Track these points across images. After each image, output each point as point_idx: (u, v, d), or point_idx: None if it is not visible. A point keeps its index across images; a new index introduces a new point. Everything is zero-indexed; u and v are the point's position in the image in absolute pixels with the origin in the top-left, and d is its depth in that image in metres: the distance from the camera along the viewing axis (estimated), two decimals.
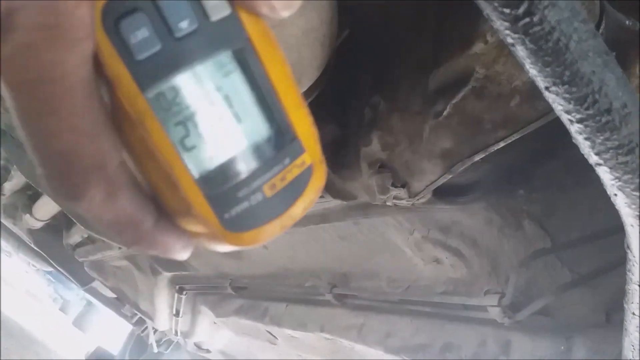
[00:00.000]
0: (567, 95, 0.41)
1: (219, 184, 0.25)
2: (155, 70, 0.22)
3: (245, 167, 0.25)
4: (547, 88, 0.41)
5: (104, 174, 0.23)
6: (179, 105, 0.23)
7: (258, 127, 0.26)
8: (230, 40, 0.24)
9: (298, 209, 0.27)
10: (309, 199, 0.27)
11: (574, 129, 0.43)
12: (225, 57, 0.24)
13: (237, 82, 0.25)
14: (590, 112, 0.41)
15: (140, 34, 0.22)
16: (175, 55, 0.23)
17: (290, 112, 0.26)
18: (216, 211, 0.25)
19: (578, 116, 0.42)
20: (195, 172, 0.24)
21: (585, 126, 0.42)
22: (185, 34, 0.23)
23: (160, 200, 0.26)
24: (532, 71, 0.41)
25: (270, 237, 0.27)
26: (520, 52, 0.40)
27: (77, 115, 0.21)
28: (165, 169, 0.24)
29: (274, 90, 0.25)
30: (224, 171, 0.25)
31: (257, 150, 0.26)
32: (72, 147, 0.21)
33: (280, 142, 0.26)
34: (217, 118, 0.24)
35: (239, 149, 0.25)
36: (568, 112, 0.42)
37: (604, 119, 0.41)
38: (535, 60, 0.40)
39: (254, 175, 0.25)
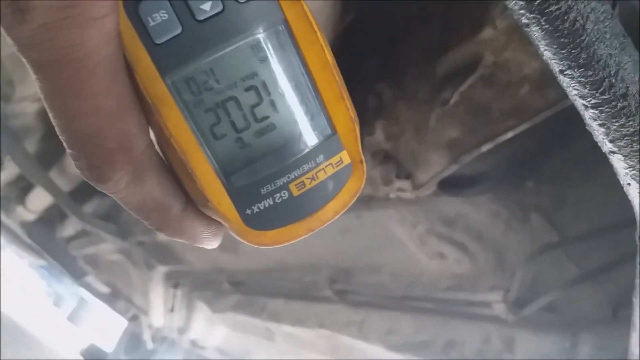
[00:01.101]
0: (582, 79, 0.39)
1: (243, 177, 0.23)
2: (176, 54, 0.21)
3: (272, 161, 0.23)
4: (561, 71, 0.40)
5: (130, 156, 0.22)
6: (211, 91, 0.22)
7: (291, 119, 0.23)
8: (264, 23, 0.22)
9: (328, 213, 0.25)
10: (343, 202, 0.25)
11: (589, 114, 0.41)
12: (258, 42, 0.22)
13: (271, 69, 0.23)
14: (606, 97, 0.40)
15: (159, 16, 0.21)
16: (198, 40, 0.21)
17: (330, 104, 0.24)
18: (237, 206, 0.23)
19: (593, 101, 0.40)
20: (219, 163, 0.23)
21: (600, 112, 0.40)
22: (208, 16, 0.21)
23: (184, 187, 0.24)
24: (547, 53, 0.39)
25: (294, 239, 0.25)
26: (535, 33, 0.38)
27: (101, 96, 0.20)
28: (182, 158, 0.22)
29: (312, 80, 0.23)
30: (250, 164, 0.23)
31: (287, 144, 0.24)
32: (97, 129, 0.21)
33: (314, 137, 0.24)
34: (250, 106, 0.23)
35: (269, 141, 0.23)
36: (583, 97, 0.41)
37: (619, 105, 0.40)
38: (551, 42, 0.38)
39: (280, 172, 0.24)
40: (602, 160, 0.58)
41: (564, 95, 0.64)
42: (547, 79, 0.64)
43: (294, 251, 1.34)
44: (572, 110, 0.53)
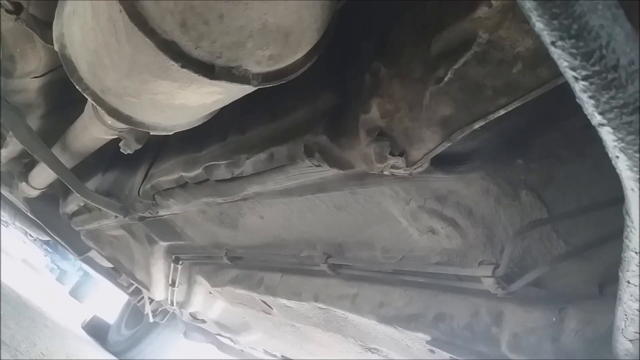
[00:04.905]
0: (573, 51, 0.39)
1: None
2: None
3: None
4: (553, 43, 0.40)
5: None
6: None
7: None
8: None
9: None
10: None
11: (579, 87, 0.41)
12: None
13: None
14: (597, 68, 0.40)
15: None
16: None
17: None
18: None
19: (584, 73, 0.40)
20: None
21: (591, 83, 0.40)
22: None
23: None
24: (539, 24, 0.39)
25: None
26: (527, 4, 0.38)
27: None
28: None
29: None
30: None
31: None
32: None
33: None
34: None
35: None
36: (573, 69, 0.41)
37: (610, 76, 0.39)
38: (543, 13, 0.38)
39: None
40: (591, 140, 0.58)
41: (555, 74, 0.65)
42: (539, 57, 0.64)
43: (291, 227, 1.36)
44: (563, 89, 0.53)
